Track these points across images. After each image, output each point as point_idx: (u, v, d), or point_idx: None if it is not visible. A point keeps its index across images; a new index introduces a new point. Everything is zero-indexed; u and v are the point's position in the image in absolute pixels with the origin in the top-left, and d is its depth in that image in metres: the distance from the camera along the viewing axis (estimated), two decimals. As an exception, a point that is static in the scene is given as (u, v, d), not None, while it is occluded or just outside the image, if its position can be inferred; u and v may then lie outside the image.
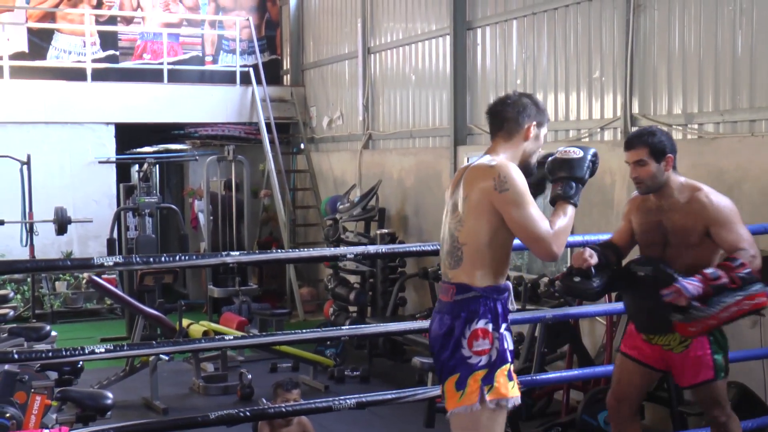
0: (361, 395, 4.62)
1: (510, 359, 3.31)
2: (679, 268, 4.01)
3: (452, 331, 3.28)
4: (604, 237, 4.55)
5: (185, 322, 8.05)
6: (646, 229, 4.26)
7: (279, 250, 10.30)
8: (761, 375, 5.73)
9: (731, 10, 6.21)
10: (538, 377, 5.33)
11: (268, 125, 12.27)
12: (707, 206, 4.05)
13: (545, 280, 7.44)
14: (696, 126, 6.54)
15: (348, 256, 4.96)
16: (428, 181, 9.68)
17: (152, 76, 12.61)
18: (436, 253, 4.07)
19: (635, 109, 7.06)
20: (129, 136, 12.47)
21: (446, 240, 3.41)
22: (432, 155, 9.73)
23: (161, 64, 12.61)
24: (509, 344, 3.31)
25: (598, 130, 7.42)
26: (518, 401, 3.32)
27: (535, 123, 3.39)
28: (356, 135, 11.63)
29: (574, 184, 3.40)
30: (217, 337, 6.55)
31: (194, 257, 4.33)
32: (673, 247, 4.12)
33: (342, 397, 4.50)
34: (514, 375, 3.33)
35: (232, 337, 5.62)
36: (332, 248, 8.81)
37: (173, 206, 10.82)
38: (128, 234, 10.99)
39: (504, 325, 3.32)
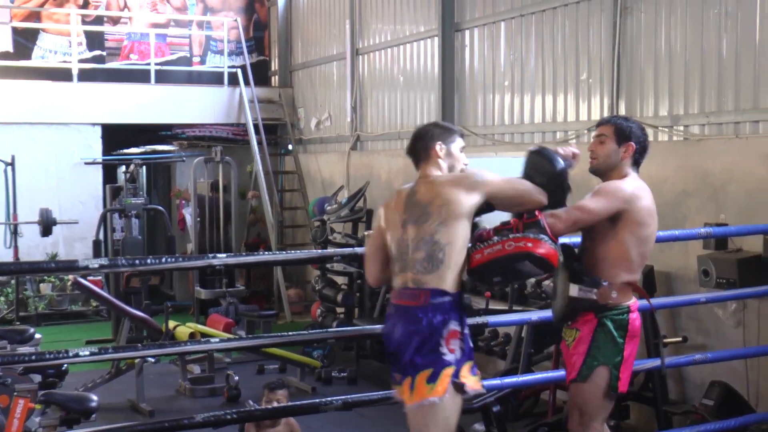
0: (348, 396, 4.64)
1: (472, 357, 3.75)
2: (600, 259, 3.95)
3: (430, 332, 3.63)
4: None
5: (172, 323, 8.02)
6: None
7: (266, 252, 10.31)
8: (744, 374, 5.81)
9: (717, 13, 6.28)
10: (525, 377, 5.38)
11: (255, 126, 12.28)
12: (603, 186, 4.00)
13: (532, 281, 7.49)
14: (682, 128, 6.61)
15: (336, 258, 4.98)
16: (416, 183, 9.70)
17: (139, 76, 12.60)
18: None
19: (622, 111, 7.12)
20: (116, 137, 12.45)
21: (419, 248, 3.72)
22: (420, 157, 9.75)
23: (148, 64, 12.61)
24: (470, 343, 3.77)
25: (585, 131, 7.48)
26: (482, 391, 3.91)
27: (439, 143, 3.87)
28: (344, 136, 11.66)
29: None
30: (203, 339, 6.57)
31: (181, 260, 4.37)
32: (592, 234, 4.03)
33: (329, 398, 4.52)
34: (477, 371, 3.75)
35: (218, 339, 5.65)
36: (320, 250, 8.83)
37: (160, 207, 10.80)
38: (114, 235, 10.97)
39: (466, 327, 3.75)
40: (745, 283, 5.50)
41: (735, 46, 6.16)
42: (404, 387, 3.71)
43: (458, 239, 3.65)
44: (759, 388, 5.77)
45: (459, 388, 3.63)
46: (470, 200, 3.67)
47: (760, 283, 5.42)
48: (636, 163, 4.05)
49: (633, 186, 3.95)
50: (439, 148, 3.86)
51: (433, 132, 3.92)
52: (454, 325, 3.64)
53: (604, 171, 4.05)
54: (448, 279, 3.65)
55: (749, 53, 6.06)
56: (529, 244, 3.62)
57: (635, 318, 4.01)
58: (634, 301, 4.01)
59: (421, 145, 3.90)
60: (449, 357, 3.61)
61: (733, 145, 6.10)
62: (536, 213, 3.72)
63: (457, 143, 3.92)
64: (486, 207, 3.78)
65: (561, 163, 3.87)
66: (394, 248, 3.84)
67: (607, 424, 4.14)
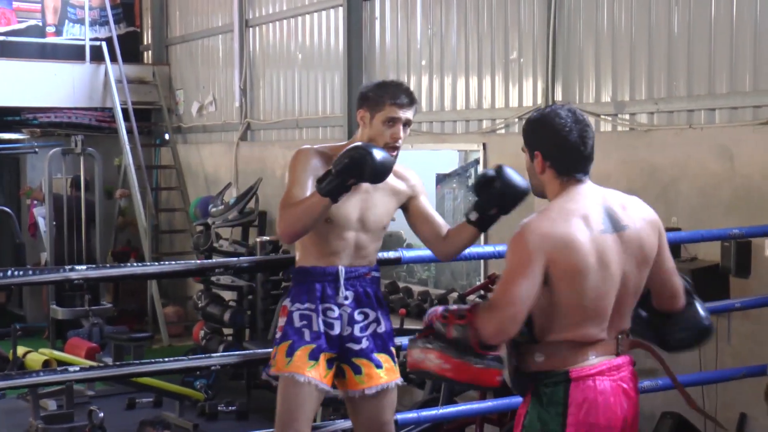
0: (237, 436, 4.60)
1: (292, 337, 4.06)
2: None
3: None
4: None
5: (21, 350, 7.88)
6: None
7: (137, 264, 10.14)
8: (700, 403, 5.90)
9: (666, -16, 6.42)
10: (446, 409, 5.37)
11: (124, 111, 12.09)
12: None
13: (454, 295, 7.52)
14: (627, 116, 6.71)
15: (220, 269, 4.91)
16: (318, 180, 9.68)
17: (-21, 49, 12.28)
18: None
19: (558, 97, 7.20)
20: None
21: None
22: (322, 148, 9.73)
23: (-9, 35, 12.31)
24: (297, 323, 4.07)
25: (516, 120, 7.54)
26: (279, 375, 4.11)
27: (363, 109, 4.02)
28: (232, 124, 11.57)
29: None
30: (60, 368, 6.42)
31: (30, 273, 4.22)
32: None
33: (213, 439, 4.47)
34: (300, 354, 4.02)
35: (79, 368, 5.49)
36: (203, 260, 8.71)
37: (6, 209, 10.58)
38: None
39: (300, 303, 4.09)
40: (701, 297, 5.56)
41: (687, 21, 6.28)
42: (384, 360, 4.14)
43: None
44: (717, 418, 5.88)
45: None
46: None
47: (718, 297, 5.51)
48: (565, 172, 3.29)
49: (550, 221, 3.22)
50: (363, 112, 4.03)
51: (361, 97, 4.09)
52: (285, 301, 4.05)
53: (543, 194, 3.48)
54: (298, 252, 4.09)
55: (703, 30, 6.18)
56: (446, 366, 3.28)
57: (587, 388, 3.23)
58: (588, 365, 3.25)
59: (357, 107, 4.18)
60: (277, 335, 4.03)
61: (685, 136, 6.21)
62: (467, 312, 3.29)
63: (382, 114, 4.00)
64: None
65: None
66: None
67: None
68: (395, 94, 3.95)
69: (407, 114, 3.96)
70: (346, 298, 4.02)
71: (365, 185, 3.92)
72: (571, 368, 3.24)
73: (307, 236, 3.94)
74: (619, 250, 3.23)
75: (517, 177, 3.89)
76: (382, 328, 4.10)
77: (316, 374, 3.92)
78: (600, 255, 3.19)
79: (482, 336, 3.20)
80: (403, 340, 4.81)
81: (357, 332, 4.03)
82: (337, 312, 4.01)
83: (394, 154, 3.94)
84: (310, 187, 3.84)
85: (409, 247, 7.03)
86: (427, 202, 4.15)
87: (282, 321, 4.03)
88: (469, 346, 3.22)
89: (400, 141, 3.96)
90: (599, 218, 3.22)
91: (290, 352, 3.94)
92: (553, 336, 3.26)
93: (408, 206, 4.13)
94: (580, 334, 3.25)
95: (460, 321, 3.25)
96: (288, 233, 3.85)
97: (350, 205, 3.94)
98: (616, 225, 3.24)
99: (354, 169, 3.72)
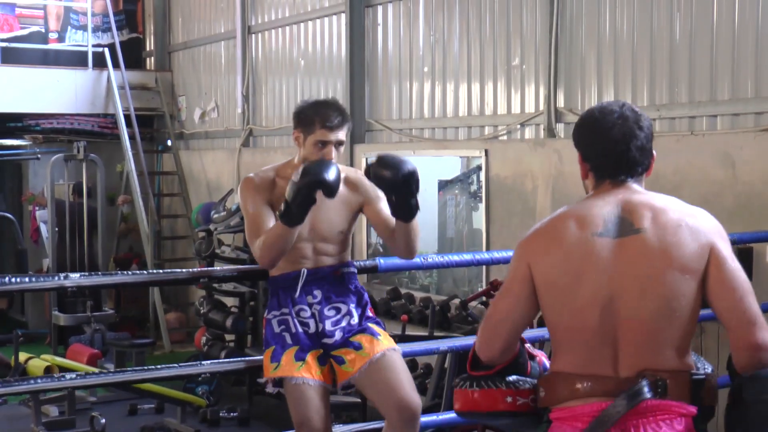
0: (239, 442, 4.60)
1: (274, 344, 4.22)
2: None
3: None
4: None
5: (23, 356, 7.87)
6: None
7: (138, 272, 10.15)
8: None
9: (668, -10, 6.43)
10: (448, 415, 5.37)
11: (127, 117, 12.10)
12: None
13: (456, 302, 7.52)
14: (629, 123, 6.71)
15: (223, 275, 4.93)
16: (320, 186, 9.68)
17: (-19, 56, 12.29)
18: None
19: (560, 103, 7.20)
20: (-47, 129, 12.15)
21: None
22: (324, 155, 9.73)
23: (-6, 41, 12.31)
24: (275, 329, 4.23)
25: (518, 126, 7.54)
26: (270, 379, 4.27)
27: (296, 130, 4.14)
28: (234, 130, 11.58)
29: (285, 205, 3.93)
30: (62, 374, 6.41)
31: (28, 279, 4.23)
32: None
33: (215, 445, 4.47)
34: (284, 359, 4.18)
35: (81, 374, 5.50)
36: (205, 267, 8.71)
37: (9, 215, 10.57)
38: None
39: (276, 311, 4.25)
40: (704, 303, 5.59)
41: (689, 27, 6.29)
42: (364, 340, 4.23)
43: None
44: (718, 426, 5.87)
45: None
46: None
47: (720, 302, 5.51)
48: (601, 176, 2.89)
49: (541, 226, 2.88)
50: (298, 134, 4.16)
51: (296, 118, 4.21)
52: (266, 313, 4.20)
53: None
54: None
55: (705, 36, 6.19)
56: (457, 404, 3.00)
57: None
58: (571, 405, 2.77)
59: None
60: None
61: (687, 142, 6.21)
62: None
63: (314, 137, 4.08)
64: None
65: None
66: None
67: None
68: (325, 116, 4.03)
69: (338, 135, 4.04)
70: (314, 297, 4.16)
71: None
72: (562, 406, 2.78)
73: None
74: (623, 256, 2.72)
75: (392, 160, 3.85)
76: (355, 320, 4.19)
77: (307, 373, 4.04)
78: (584, 260, 2.72)
79: (477, 352, 2.92)
80: (404, 348, 4.82)
81: (329, 327, 4.16)
82: (309, 312, 4.16)
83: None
84: (267, 213, 4.06)
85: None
86: (382, 204, 4.15)
87: (265, 332, 4.21)
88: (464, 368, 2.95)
89: (341, 174, 3.99)
90: (600, 220, 2.76)
91: (275, 357, 4.10)
92: (552, 365, 2.88)
93: (363, 211, 4.24)
94: (569, 365, 2.78)
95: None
96: (267, 262, 4.03)
97: None
98: (623, 229, 2.75)
99: (308, 197, 3.82)
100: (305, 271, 4.15)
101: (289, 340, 4.15)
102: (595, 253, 2.71)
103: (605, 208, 2.77)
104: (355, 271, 4.33)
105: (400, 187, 3.85)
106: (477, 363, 2.93)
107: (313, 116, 4.05)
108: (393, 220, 4.09)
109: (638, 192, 2.85)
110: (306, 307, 4.18)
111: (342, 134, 4.07)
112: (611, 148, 2.84)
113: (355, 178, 4.23)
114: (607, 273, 2.70)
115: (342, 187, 4.06)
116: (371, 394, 4.17)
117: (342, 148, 4.12)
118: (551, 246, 2.77)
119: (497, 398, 2.86)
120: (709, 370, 2.81)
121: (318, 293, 4.18)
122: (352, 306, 4.23)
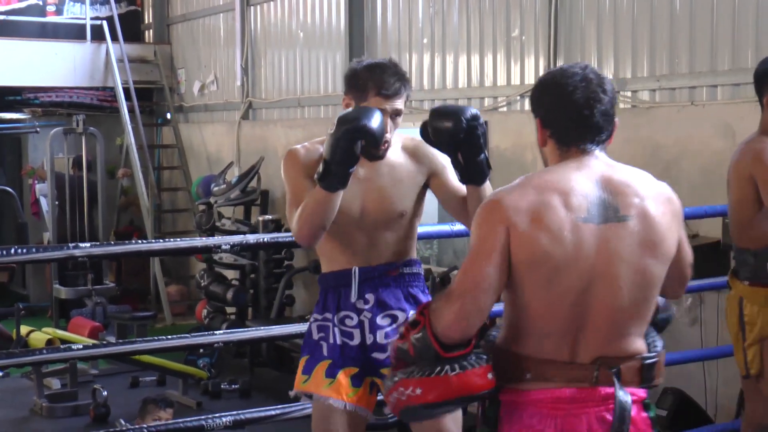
0: (240, 412, 4.62)
1: (310, 352, 3.71)
2: None
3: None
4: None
5: (24, 329, 7.89)
6: None
7: (141, 241, 10.16)
8: (701, 379, 5.93)
9: (668, -40, 6.40)
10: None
11: (126, 91, 12.07)
12: None
13: (435, 274, 7.55)
14: (629, 93, 6.71)
15: (224, 247, 4.93)
16: (320, 158, 9.68)
17: (-21, 29, 12.25)
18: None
19: (560, 74, 7.18)
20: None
21: None
22: (324, 127, 9.61)
23: (-9, 14, 12.27)
24: (315, 336, 3.69)
25: (518, 97, 7.53)
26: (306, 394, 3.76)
27: (348, 96, 3.50)
28: (234, 103, 11.55)
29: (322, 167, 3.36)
30: (64, 346, 6.44)
31: (34, 250, 4.24)
32: None
33: (217, 415, 4.49)
34: (316, 372, 3.65)
35: (82, 346, 5.52)
36: (205, 238, 8.72)
37: (8, 189, 10.58)
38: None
39: (321, 313, 3.69)
40: (703, 273, 5.56)
41: (689, -2, 6.27)
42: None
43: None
44: (718, 395, 5.91)
45: None
46: None
47: (720, 273, 5.50)
48: (565, 142, 2.71)
49: (519, 191, 2.64)
50: (348, 100, 3.53)
51: (346, 81, 3.57)
52: (313, 313, 3.68)
53: None
54: (320, 257, 3.70)
55: (705, 7, 6.17)
56: (418, 391, 2.64)
57: (526, 417, 2.65)
58: (523, 388, 2.66)
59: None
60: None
61: (687, 113, 6.21)
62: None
63: (370, 102, 3.46)
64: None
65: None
66: None
67: None
68: (382, 81, 3.42)
69: (396, 104, 3.43)
70: (365, 301, 3.55)
71: (363, 172, 3.47)
72: (515, 387, 2.65)
73: (322, 238, 3.47)
74: (606, 244, 2.59)
75: (449, 108, 3.41)
76: None
77: (336, 394, 3.50)
78: (570, 249, 2.56)
79: (439, 333, 2.59)
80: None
81: (381, 339, 3.52)
82: (355, 320, 3.55)
83: (384, 147, 3.44)
84: (310, 187, 3.40)
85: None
86: (449, 173, 3.55)
87: (305, 334, 3.70)
88: (434, 352, 2.61)
89: (388, 135, 3.42)
90: (583, 200, 2.60)
91: (308, 369, 3.57)
92: (513, 346, 2.68)
93: (430, 185, 3.60)
94: (527, 345, 2.65)
95: (415, 330, 2.64)
96: (305, 236, 3.39)
97: (348, 198, 3.42)
98: (607, 214, 2.61)
99: (349, 151, 3.24)
100: (357, 269, 3.54)
101: (324, 351, 3.56)
102: (580, 242, 2.56)
103: (586, 186, 2.61)
104: (421, 272, 3.68)
105: (467, 138, 3.26)
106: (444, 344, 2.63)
107: (367, 81, 3.42)
108: (463, 188, 3.49)
109: (613, 166, 2.70)
110: (353, 315, 3.56)
111: (400, 103, 3.44)
112: (575, 111, 2.65)
113: (413, 145, 3.58)
114: (589, 261, 2.57)
115: (400, 157, 3.54)
116: (417, 428, 3.56)
117: (400, 120, 3.48)
118: (540, 225, 2.56)
119: (484, 376, 2.62)
120: (659, 346, 2.75)
121: (370, 297, 3.55)
122: (412, 314, 3.33)
